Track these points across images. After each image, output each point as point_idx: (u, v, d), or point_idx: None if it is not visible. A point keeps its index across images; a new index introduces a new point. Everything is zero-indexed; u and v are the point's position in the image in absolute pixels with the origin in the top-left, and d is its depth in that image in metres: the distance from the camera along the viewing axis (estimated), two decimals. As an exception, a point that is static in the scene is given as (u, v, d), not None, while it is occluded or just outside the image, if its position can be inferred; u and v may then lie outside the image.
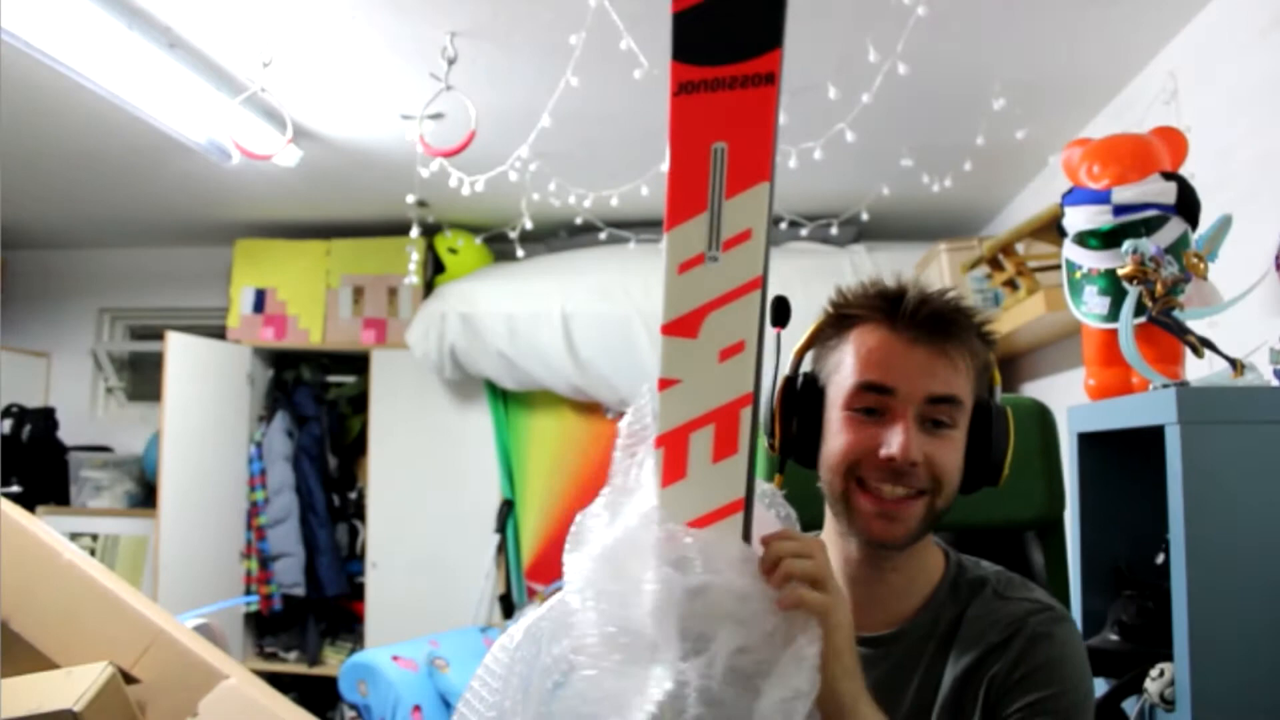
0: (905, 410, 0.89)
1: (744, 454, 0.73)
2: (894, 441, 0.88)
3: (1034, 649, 0.91)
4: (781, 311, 0.92)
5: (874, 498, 0.90)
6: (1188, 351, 1.29)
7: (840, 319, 0.95)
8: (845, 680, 0.76)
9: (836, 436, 0.92)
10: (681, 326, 0.74)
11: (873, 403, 0.90)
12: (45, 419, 3.93)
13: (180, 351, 3.45)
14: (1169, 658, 1.18)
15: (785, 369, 0.97)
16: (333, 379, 4.14)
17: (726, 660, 0.69)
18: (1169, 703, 1.19)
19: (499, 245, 3.53)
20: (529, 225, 2.84)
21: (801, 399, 0.95)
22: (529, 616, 0.80)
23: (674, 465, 0.76)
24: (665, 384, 0.76)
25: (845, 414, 0.92)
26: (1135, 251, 1.26)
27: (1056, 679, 0.89)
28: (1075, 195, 1.46)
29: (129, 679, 1.03)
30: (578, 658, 0.71)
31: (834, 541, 0.97)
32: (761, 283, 0.73)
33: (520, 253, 2.97)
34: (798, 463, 0.96)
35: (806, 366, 1.00)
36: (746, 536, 0.75)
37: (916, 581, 0.97)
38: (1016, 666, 0.90)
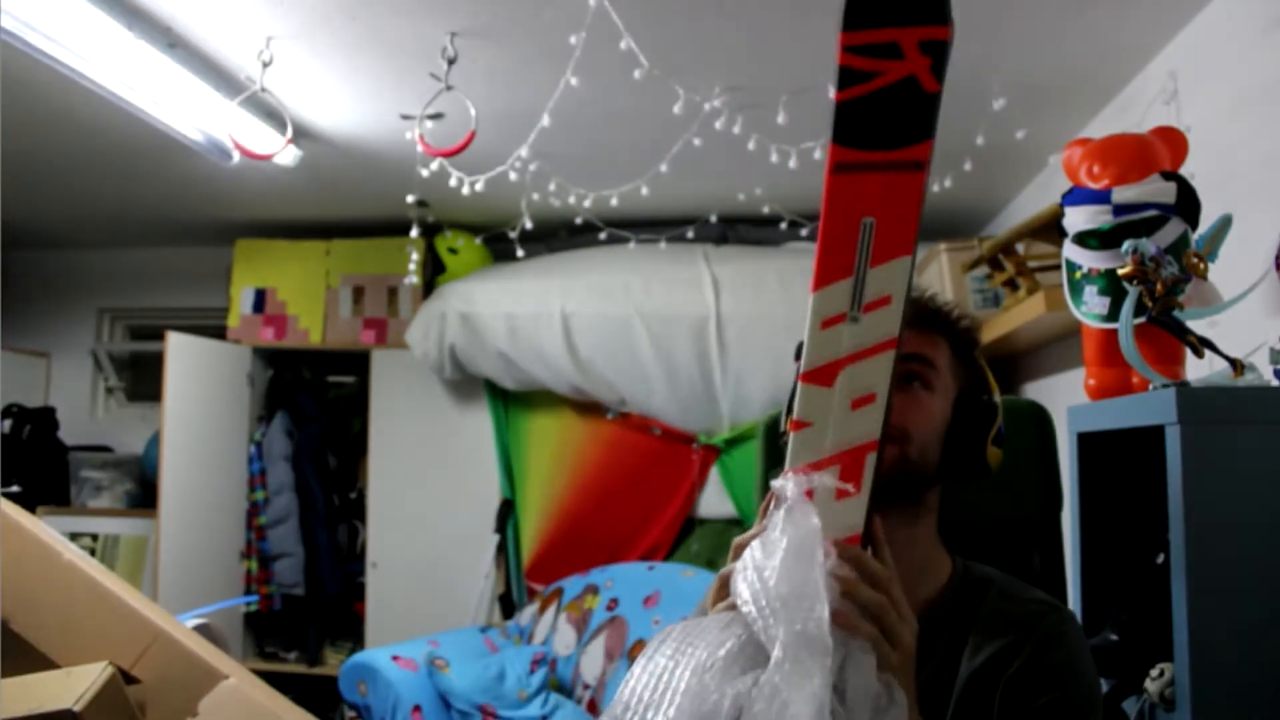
0: None
1: (865, 494, 0.80)
2: None
3: (1047, 650, 0.94)
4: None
5: None
6: (1188, 351, 1.29)
7: None
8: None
9: None
10: (819, 376, 0.82)
11: None
12: (45, 419, 3.93)
13: (180, 351, 3.45)
14: (1169, 658, 1.18)
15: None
16: (333, 379, 4.14)
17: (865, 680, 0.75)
18: (1169, 703, 1.19)
19: (499, 245, 3.53)
20: (529, 225, 2.84)
21: None
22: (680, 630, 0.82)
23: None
24: (799, 425, 0.83)
25: None
26: (1135, 251, 1.26)
27: (1068, 679, 0.93)
28: (1075, 195, 1.46)
29: (129, 679, 1.03)
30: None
31: None
32: (895, 343, 0.82)
33: (520, 253, 2.97)
34: None
35: None
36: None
37: (926, 576, 1.02)
38: (1031, 667, 0.93)
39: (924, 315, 1.05)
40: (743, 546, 0.83)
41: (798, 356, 1.00)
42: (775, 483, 0.82)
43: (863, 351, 0.81)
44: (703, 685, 0.74)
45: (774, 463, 1.22)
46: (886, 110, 0.80)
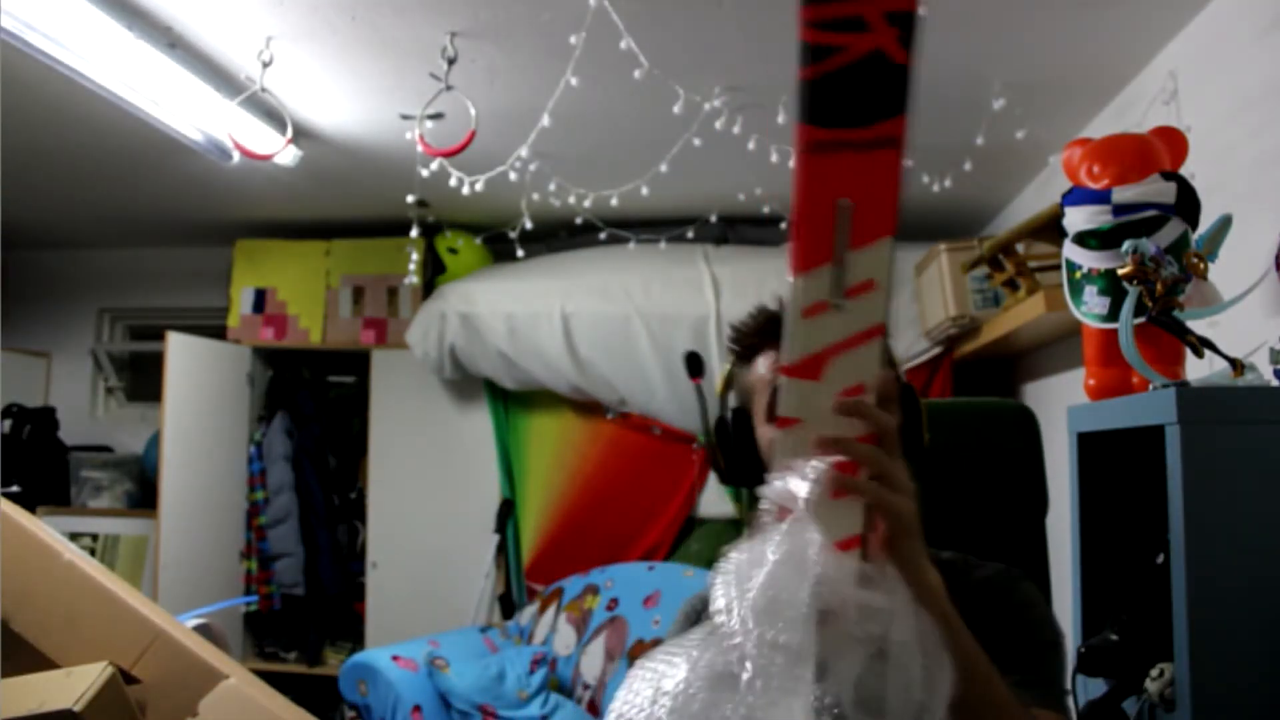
0: None
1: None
2: None
3: (1007, 597, 1.02)
4: (695, 365, 1.03)
5: None
6: (1188, 351, 1.29)
7: (742, 356, 1.08)
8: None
9: (772, 449, 1.00)
10: (804, 369, 0.78)
11: None
12: (45, 419, 3.93)
13: (180, 351, 3.45)
14: (1169, 658, 1.18)
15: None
16: (333, 379, 4.14)
17: (854, 681, 0.72)
18: (1169, 703, 1.19)
19: (499, 245, 3.53)
20: (529, 225, 2.84)
21: (735, 432, 1.07)
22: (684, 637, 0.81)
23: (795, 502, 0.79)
24: (785, 423, 0.79)
25: (770, 426, 1.01)
26: (1135, 251, 1.26)
27: (1030, 615, 1.01)
28: (1075, 195, 1.46)
29: (129, 679, 1.03)
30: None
31: None
32: (884, 330, 0.77)
33: (520, 253, 2.97)
34: (745, 485, 1.07)
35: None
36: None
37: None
38: (994, 613, 0.96)
39: None
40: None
41: (692, 371, 1.04)
42: (765, 488, 0.79)
43: (850, 340, 0.77)
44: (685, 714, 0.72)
45: None
46: (855, 86, 0.75)
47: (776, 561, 0.74)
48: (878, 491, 0.76)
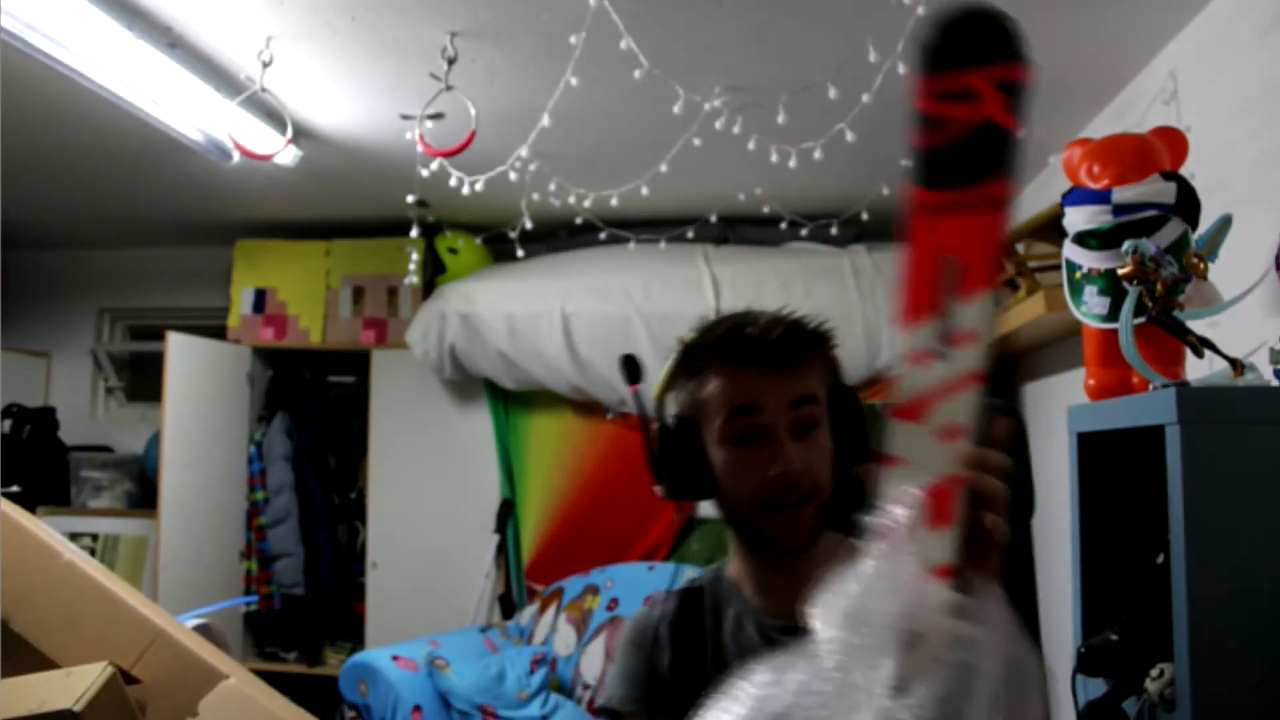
0: (776, 424, 0.99)
1: (957, 525, 0.82)
2: (778, 460, 0.98)
3: None
4: (633, 370, 1.07)
5: (775, 515, 1.00)
6: (1188, 351, 1.29)
7: (691, 366, 1.05)
8: None
9: (733, 475, 1.01)
10: (910, 411, 0.84)
11: (747, 426, 1.00)
12: (45, 419, 3.93)
13: (180, 351, 3.45)
14: (1169, 658, 1.18)
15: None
16: (333, 379, 4.14)
17: (933, 701, 0.75)
18: (1169, 703, 1.19)
19: (499, 245, 3.53)
20: (529, 225, 2.84)
21: (682, 441, 1.03)
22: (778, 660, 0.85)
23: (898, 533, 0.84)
24: (891, 461, 0.85)
25: (727, 448, 1.01)
26: (1135, 251, 1.26)
27: None
28: (1075, 195, 1.46)
29: (129, 679, 1.03)
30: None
31: (745, 552, 1.08)
32: (983, 377, 0.83)
33: (520, 253, 2.97)
34: (688, 499, 1.06)
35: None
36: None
37: (825, 571, 1.04)
38: None
39: (785, 346, 1.01)
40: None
41: (630, 376, 1.03)
42: (872, 518, 0.83)
43: (951, 385, 0.83)
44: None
45: None
46: (964, 151, 0.82)
47: (869, 578, 0.79)
48: (1001, 524, 0.80)
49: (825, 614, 0.79)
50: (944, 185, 0.82)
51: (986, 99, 0.81)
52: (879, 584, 0.79)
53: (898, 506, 0.81)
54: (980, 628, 0.78)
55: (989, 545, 0.81)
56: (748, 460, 1.00)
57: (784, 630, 1.02)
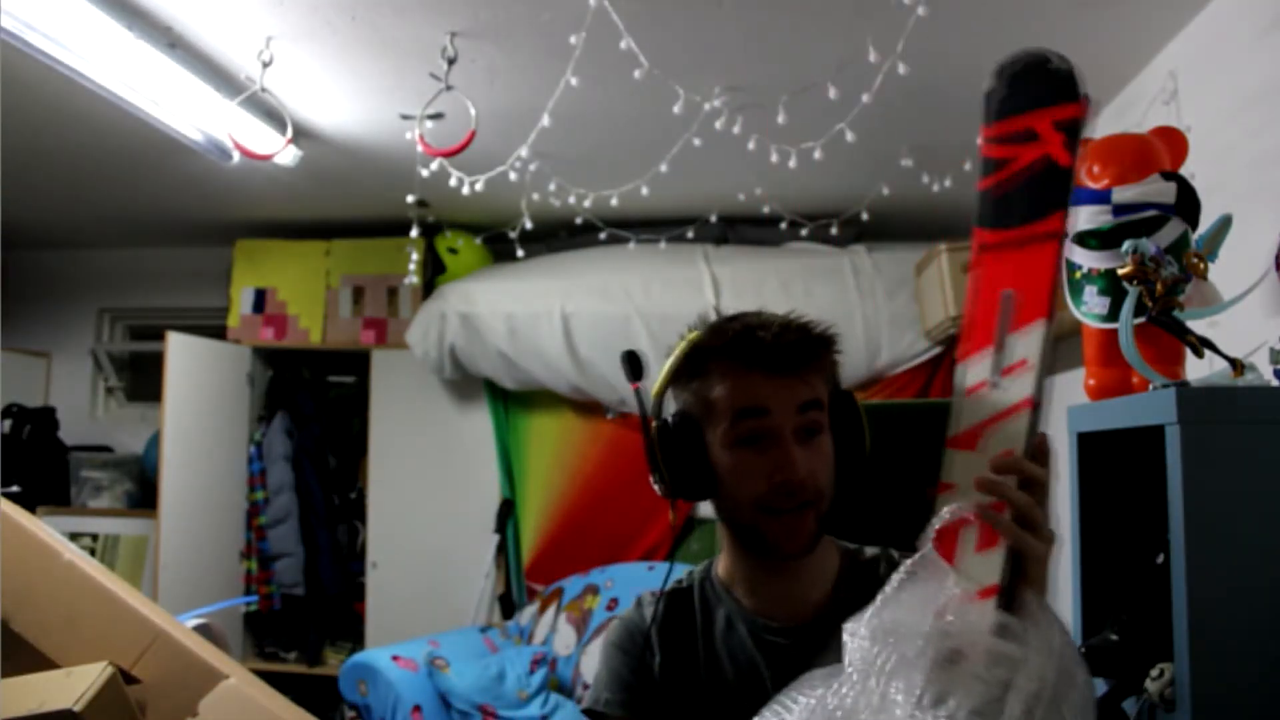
0: (782, 428, 0.98)
1: (1005, 546, 0.83)
2: (784, 464, 0.98)
3: None
4: (635, 367, 1.06)
5: (777, 519, 0.99)
6: (1188, 351, 1.29)
7: (697, 365, 1.04)
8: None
9: (736, 477, 1.00)
10: (964, 440, 0.87)
11: (753, 428, 0.99)
12: (45, 419, 3.93)
13: (180, 351, 3.45)
14: (1169, 658, 1.18)
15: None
16: (333, 379, 4.14)
17: (969, 712, 0.76)
18: (1169, 703, 1.19)
19: (499, 245, 3.53)
20: (529, 225, 2.84)
21: (684, 440, 1.02)
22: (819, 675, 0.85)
23: (944, 554, 0.85)
24: (945, 488, 0.87)
25: (731, 450, 1.00)
26: (1135, 251, 1.26)
27: None
28: (1075, 195, 1.46)
29: (129, 679, 1.02)
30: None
31: (739, 553, 1.07)
32: (1032, 403, 0.86)
33: (520, 253, 2.97)
34: (688, 499, 1.04)
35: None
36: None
37: (820, 574, 1.06)
38: None
39: (792, 351, 1.00)
40: None
41: (632, 373, 1.02)
42: (922, 540, 0.85)
43: (1003, 413, 0.85)
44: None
45: None
46: (1024, 189, 0.85)
47: (912, 596, 0.81)
48: (1020, 534, 0.81)
49: (865, 630, 0.80)
50: (1004, 224, 0.86)
51: (1045, 137, 0.84)
52: (921, 603, 0.80)
53: (946, 529, 0.83)
54: (1021, 646, 0.79)
55: (1035, 562, 0.82)
56: (753, 463, 0.99)
57: (776, 631, 1.02)
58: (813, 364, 1.02)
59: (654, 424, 1.03)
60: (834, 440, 1.03)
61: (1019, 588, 0.82)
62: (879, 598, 0.82)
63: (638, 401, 1.05)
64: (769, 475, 0.98)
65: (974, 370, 0.87)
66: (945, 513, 0.84)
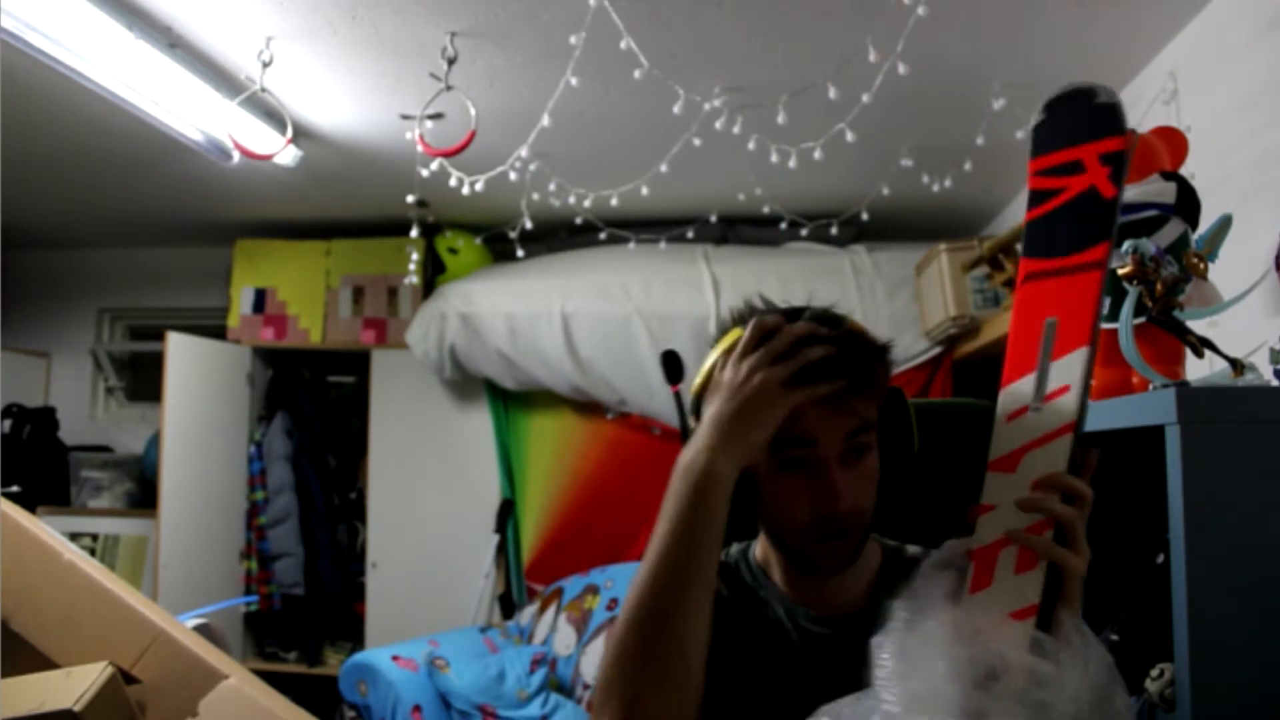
0: (829, 459, 0.93)
1: (1042, 567, 0.83)
2: (829, 497, 0.93)
3: None
4: (675, 369, 0.99)
5: (820, 544, 0.96)
6: (1188, 351, 1.29)
7: None
8: None
9: (777, 501, 0.96)
10: (1004, 464, 0.88)
11: (798, 455, 0.93)
12: (45, 419, 3.93)
13: (180, 351, 3.45)
14: (1169, 658, 1.18)
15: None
16: (333, 379, 4.14)
17: None
18: (1169, 703, 1.19)
19: (499, 245, 3.53)
20: (529, 225, 2.84)
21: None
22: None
23: (982, 575, 0.86)
24: (984, 509, 0.88)
25: (774, 475, 0.95)
26: (1135, 251, 1.26)
27: None
28: (1075, 195, 1.46)
29: (129, 679, 1.03)
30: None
31: (778, 556, 1.04)
32: (1073, 428, 0.85)
33: (520, 253, 2.97)
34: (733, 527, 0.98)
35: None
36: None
37: (863, 568, 1.04)
38: None
39: (859, 371, 0.92)
40: None
41: (671, 375, 0.99)
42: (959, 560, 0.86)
43: (1043, 438, 0.86)
44: None
45: None
46: (1070, 220, 0.87)
47: (950, 618, 0.81)
48: (1060, 551, 0.81)
49: (902, 649, 0.81)
50: (1049, 254, 0.87)
51: (1090, 170, 0.87)
52: (958, 625, 0.81)
53: (984, 551, 0.84)
54: (1057, 666, 0.79)
55: (1072, 578, 0.82)
56: (796, 491, 0.94)
57: (814, 620, 1.01)
58: (866, 390, 0.93)
59: (693, 428, 0.96)
60: (882, 448, 0.97)
61: (1055, 608, 0.82)
62: (925, 619, 0.81)
63: (677, 405, 1.03)
64: (813, 506, 0.93)
65: (1015, 397, 0.89)
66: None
